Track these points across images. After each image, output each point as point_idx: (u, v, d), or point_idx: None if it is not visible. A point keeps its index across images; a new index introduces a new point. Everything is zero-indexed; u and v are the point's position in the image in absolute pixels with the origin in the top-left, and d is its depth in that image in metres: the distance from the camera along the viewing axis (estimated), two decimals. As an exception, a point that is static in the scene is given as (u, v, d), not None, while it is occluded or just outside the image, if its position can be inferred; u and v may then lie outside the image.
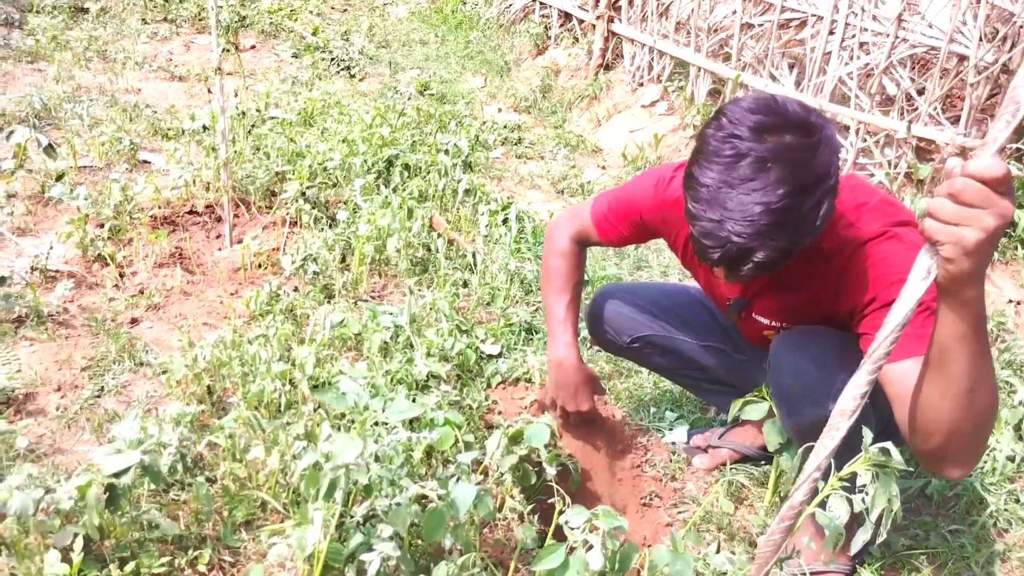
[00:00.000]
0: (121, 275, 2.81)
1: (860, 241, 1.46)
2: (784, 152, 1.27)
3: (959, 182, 0.97)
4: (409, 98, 4.86)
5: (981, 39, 3.00)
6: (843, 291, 1.49)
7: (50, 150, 3.11)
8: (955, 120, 3.23)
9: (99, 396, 2.23)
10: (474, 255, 3.02)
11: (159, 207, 3.21)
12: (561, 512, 1.53)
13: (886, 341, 1.04)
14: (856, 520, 1.37)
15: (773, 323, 1.70)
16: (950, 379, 1.14)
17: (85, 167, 3.61)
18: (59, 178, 3.12)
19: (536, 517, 1.75)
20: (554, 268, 1.95)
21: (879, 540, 1.37)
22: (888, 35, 3.33)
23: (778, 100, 1.33)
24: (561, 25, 5.67)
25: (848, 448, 1.41)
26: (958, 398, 1.15)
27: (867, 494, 1.35)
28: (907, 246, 1.43)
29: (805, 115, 1.31)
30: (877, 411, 1.55)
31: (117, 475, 1.51)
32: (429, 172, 3.56)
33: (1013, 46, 2.93)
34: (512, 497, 1.77)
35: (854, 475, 1.35)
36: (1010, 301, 2.79)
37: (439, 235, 3.08)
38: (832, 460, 1.53)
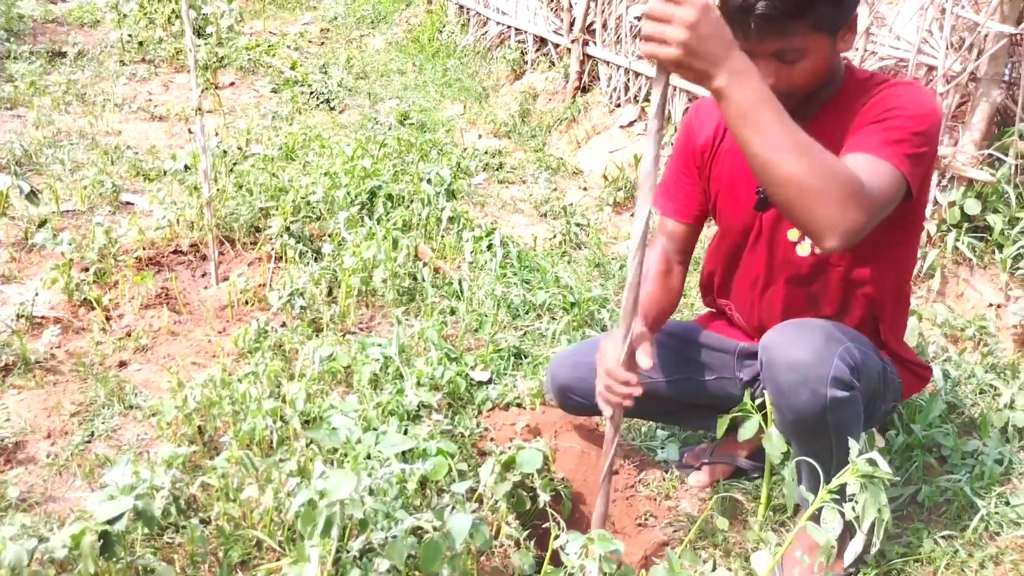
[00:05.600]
0: (108, 318, 2.81)
1: (878, 89, 1.59)
2: None
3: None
4: (389, 128, 4.89)
5: (948, 49, 3.06)
6: (849, 122, 1.58)
7: (32, 196, 3.13)
8: (927, 129, 3.28)
9: (89, 441, 2.23)
10: (460, 282, 3.04)
11: (143, 248, 3.21)
12: (556, 537, 1.53)
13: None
14: (848, 531, 1.39)
15: None
16: (756, 147, 1.28)
17: (68, 211, 3.61)
18: (42, 224, 3.12)
19: (532, 543, 1.76)
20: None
21: (873, 550, 1.39)
22: (857, 48, 3.39)
23: None
24: (537, 50, 5.74)
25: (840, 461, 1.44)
26: (771, 160, 1.28)
27: (856, 503, 1.37)
28: (914, 87, 1.58)
29: None
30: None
31: (111, 522, 1.51)
32: (412, 201, 3.59)
33: (980, 54, 2.99)
34: (508, 524, 1.77)
35: (844, 488, 1.37)
36: (990, 305, 2.83)
37: (425, 264, 3.10)
38: (822, 472, 1.56)
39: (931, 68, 3.17)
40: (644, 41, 1.24)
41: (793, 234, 1.76)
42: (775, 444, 1.75)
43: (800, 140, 1.28)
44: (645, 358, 1.66)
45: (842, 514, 1.42)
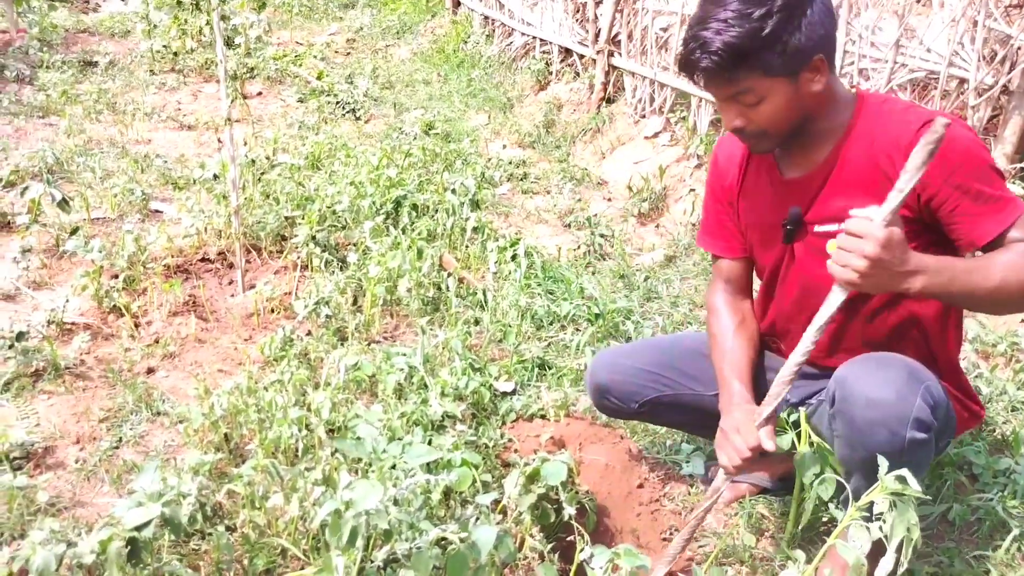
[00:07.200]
0: (136, 325, 2.84)
1: (875, 108, 1.61)
2: None
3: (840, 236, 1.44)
4: (414, 138, 4.92)
5: (980, 62, 3.03)
6: (880, 152, 1.57)
7: (64, 204, 3.17)
8: (958, 141, 3.24)
9: (117, 447, 2.25)
10: (484, 292, 3.04)
11: (172, 256, 3.25)
12: (582, 550, 1.53)
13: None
14: (879, 550, 1.36)
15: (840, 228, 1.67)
16: (979, 304, 1.55)
17: (98, 219, 3.66)
18: (73, 232, 3.16)
19: (557, 556, 1.75)
20: (711, 339, 1.92)
21: (901, 570, 1.37)
22: (887, 61, 3.36)
23: None
24: (562, 61, 5.75)
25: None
26: (979, 306, 1.56)
27: (884, 523, 1.35)
28: (952, 128, 1.54)
29: None
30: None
31: (139, 528, 1.52)
32: (437, 211, 3.60)
33: (1012, 67, 2.95)
34: (532, 536, 1.77)
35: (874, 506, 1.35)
36: (1022, 321, 2.78)
37: (449, 274, 3.10)
38: (851, 491, 1.54)
39: (962, 81, 3.14)
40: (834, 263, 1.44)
41: (832, 246, 1.72)
42: (807, 464, 1.72)
43: (996, 273, 1.46)
44: (768, 441, 1.63)
45: (870, 532, 1.40)
